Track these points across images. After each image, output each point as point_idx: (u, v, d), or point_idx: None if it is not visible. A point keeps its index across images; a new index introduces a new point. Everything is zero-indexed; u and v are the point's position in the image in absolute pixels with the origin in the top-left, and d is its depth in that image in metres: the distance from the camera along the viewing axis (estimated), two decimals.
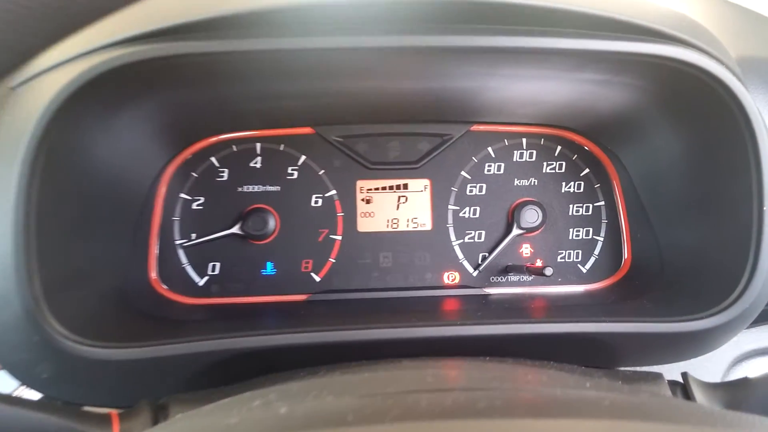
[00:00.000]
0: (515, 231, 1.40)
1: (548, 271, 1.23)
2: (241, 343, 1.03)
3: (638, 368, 0.99)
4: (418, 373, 0.73)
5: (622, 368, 1.06)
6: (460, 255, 1.43)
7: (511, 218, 1.42)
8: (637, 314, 1.10)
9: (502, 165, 1.44)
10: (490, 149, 1.44)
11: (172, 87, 1.06)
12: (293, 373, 0.95)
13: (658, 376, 0.90)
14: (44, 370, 0.98)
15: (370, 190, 1.43)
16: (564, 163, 1.45)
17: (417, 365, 0.85)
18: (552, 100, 1.25)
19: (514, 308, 1.27)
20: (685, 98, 1.05)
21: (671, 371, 1.18)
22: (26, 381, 1.02)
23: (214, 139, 1.40)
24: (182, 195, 1.39)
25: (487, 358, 0.96)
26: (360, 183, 1.43)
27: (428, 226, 1.43)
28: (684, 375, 0.90)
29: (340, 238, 1.41)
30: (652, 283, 1.29)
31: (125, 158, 1.17)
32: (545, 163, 1.45)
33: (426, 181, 1.44)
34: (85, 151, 1.03)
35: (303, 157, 1.42)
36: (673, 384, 0.90)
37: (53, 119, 0.90)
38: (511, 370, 0.79)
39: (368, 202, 1.43)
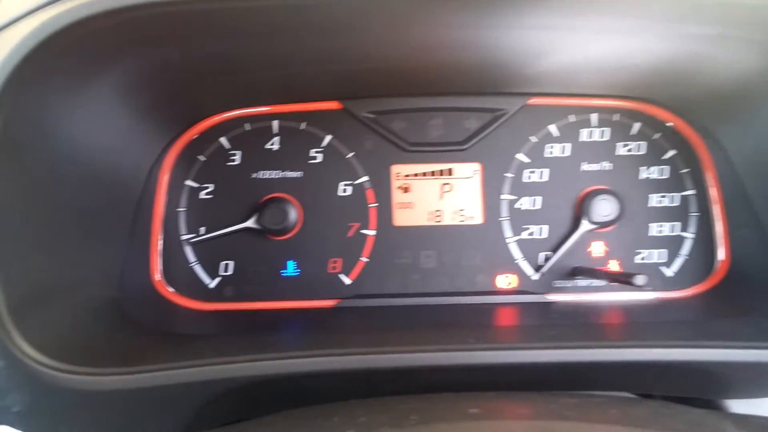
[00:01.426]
0: (584, 226, 1.16)
1: (640, 280, 0.97)
2: (260, 369, 0.83)
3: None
4: None
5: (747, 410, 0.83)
6: (518, 254, 1.19)
7: (579, 210, 1.17)
8: (756, 338, 0.85)
9: (567, 146, 1.20)
10: (552, 127, 1.20)
11: (167, 46, 0.84)
12: (324, 416, 0.74)
13: None
14: (15, 402, 0.81)
15: (408, 176, 1.20)
16: (644, 144, 1.20)
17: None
18: (639, 63, 1.00)
19: (592, 324, 1.03)
20: None
21: None
22: None
23: (223, 115, 1.19)
24: (188, 182, 1.18)
25: (575, 399, 0.73)
26: (396, 168, 1.20)
27: (478, 220, 1.20)
28: None
29: (373, 233, 1.19)
30: (759, 293, 1.04)
31: (114, 139, 0.97)
32: (620, 144, 1.20)
33: (475, 166, 1.20)
34: (57, 129, 0.82)
35: (328, 137, 1.20)
36: None
37: (7, 88, 0.69)
38: None
39: (406, 190, 1.20)
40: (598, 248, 1.19)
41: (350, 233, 1.19)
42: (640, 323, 1.04)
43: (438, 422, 0.64)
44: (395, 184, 1.20)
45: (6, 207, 0.74)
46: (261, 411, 0.94)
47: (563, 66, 1.04)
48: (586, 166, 1.20)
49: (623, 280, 1.03)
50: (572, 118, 1.20)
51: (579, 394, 0.78)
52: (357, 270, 1.19)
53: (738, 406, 1.02)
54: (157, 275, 1.17)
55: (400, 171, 1.20)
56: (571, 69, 1.07)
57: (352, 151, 1.20)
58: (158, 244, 1.17)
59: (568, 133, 1.20)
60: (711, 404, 1.02)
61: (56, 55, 0.72)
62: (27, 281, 0.81)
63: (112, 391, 0.80)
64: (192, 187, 1.18)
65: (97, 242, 0.98)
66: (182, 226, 1.18)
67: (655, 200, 1.19)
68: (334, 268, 1.19)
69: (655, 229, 1.18)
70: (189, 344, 0.98)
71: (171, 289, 1.17)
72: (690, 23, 0.83)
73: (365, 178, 1.20)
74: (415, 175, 1.20)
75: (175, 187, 1.17)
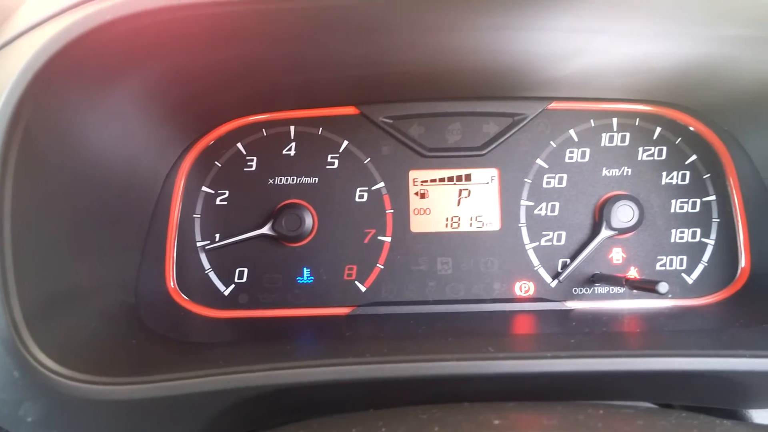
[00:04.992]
0: (604, 232, 1.14)
1: (663, 288, 0.96)
2: (276, 378, 0.82)
3: None
4: None
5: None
6: (536, 261, 1.18)
7: (599, 216, 1.16)
8: None
9: (587, 151, 1.19)
10: (572, 132, 1.19)
11: (185, 51, 0.83)
12: (342, 427, 0.73)
13: None
14: (29, 412, 0.79)
15: (426, 182, 1.19)
16: (664, 149, 1.18)
17: None
18: (663, 66, 0.98)
19: (613, 333, 1.01)
20: None
21: None
22: (8, 425, 0.82)
23: (240, 121, 1.18)
24: (204, 188, 1.18)
25: (601, 410, 0.71)
26: (413, 174, 1.19)
27: (496, 226, 1.18)
28: None
29: (389, 239, 1.18)
30: None
31: (132, 144, 0.96)
32: (641, 149, 1.18)
33: (493, 171, 1.19)
34: (75, 134, 0.81)
35: (345, 143, 1.19)
36: None
37: (28, 93, 0.69)
38: None
39: (423, 196, 1.19)
40: (617, 255, 1.17)
41: (366, 240, 1.18)
42: (661, 331, 1.02)
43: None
44: (412, 189, 1.19)
45: (24, 212, 0.72)
46: (276, 420, 0.93)
47: (585, 69, 1.03)
48: (606, 172, 1.18)
49: (645, 287, 1.01)
50: (592, 123, 1.19)
51: (603, 404, 0.76)
52: (372, 277, 1.18)
53: (759, 415, 1.00)
54: (172, 282, 1.16)
55: (417, 177, 1.19)
56: (593, 72, 1.05)
57: (368, 157, 1.19)
58: (173, 250, 1.16)
59: (588, 138, 1.19)
60: (732, 414, 1.00)
61: (78, 59, 0.72)
62: (43, 289, 0.79)
63: (128, 401, 0.79)
64: (208, 193, 1.17)
65: (114, 249, 0.97)
66: (197, 232, 1.17)
67: (676, 206, 1.17)
68: (349, 275, 1.18)
69: (676, 236, 1.17)
70: (204, 353, 0.97)
71: (185, 297, 1.16)
72: (720, 25, 0.81)
73: (382, 184, 1.19)
74: (433, 180, 1.19)
75: (190, 193, 1.17)
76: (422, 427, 0.68)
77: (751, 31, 0.81)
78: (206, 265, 1.17)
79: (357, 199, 1.18)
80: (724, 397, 0.93)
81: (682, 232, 1.17)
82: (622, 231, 1.15)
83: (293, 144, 1.19)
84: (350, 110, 1.18)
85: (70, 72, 0.72)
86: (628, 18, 0.78)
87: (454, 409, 0.74)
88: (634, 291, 1.09)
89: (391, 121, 1.18)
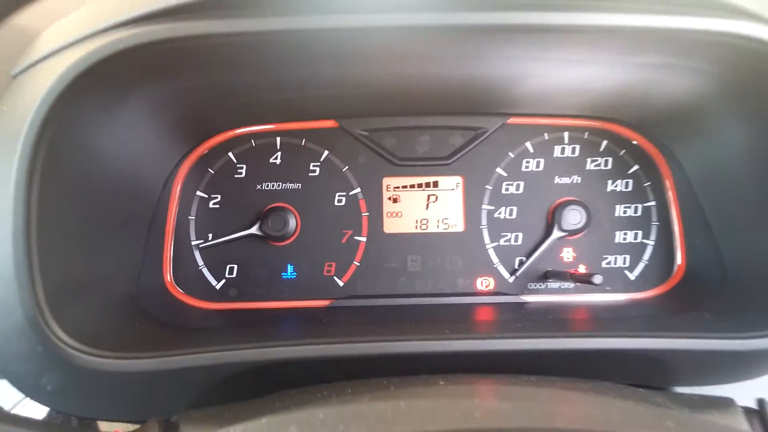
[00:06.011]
0: (556, 233, 1.28)
1: (597, 279, 1.11)
2: (260, 355, 0.94)
3: (704, 392, 0.87)
4: (463, 404, 0.64)
5: (685, 392, 0.94)
6: (495, 259, 1.32)
7: (552, 219, 1.30)
8: (698, 329, 0.98)
9: (542, 161, 1.33)
10: (528, 144, 1.33)
11: (185, 74, 0.97)
12: (315, 392, 0.86)
13: (729, 403, 0.78)
14: (49, 381, 0.91)
15: (398, 188, 1.33)
16: (610, 159, 1.33)
17: (458, 392, 0.75)
18: (601, 88, 1.13)
19: (557, 319, 1.16)
20: (761, 83, 0.92)
21: (734, 391, 1.06)
22: (30, 393, 0.94)
23: (231, 133, 1.31)
24: (198, 193, 1.31)
25: (533, 378, 0.85)
26: (386, 180, 1.33)
27: (460, 228, 1.32)
28: (761, 402, 0.78)
29: (364, 239, 1.32)
30: (711, 293, 1.16)
31: (137, 153, 1.09)
32: (589, 159, 1.33)
33: (458, 179, 1.33)
34: (91, 145, 0.94)
35: (326, 153, 1.32)
36: (748, 412, 0.78)
37: (53, 109, 0.82)
38: (571, 401, 0.69)
39: (395, 201, 1.33)
40: (568, 254, 1.31)
41: (344, 240, 1.31)
42: (602, 319, 1.16)
43: (411, 387, 0.76)
44: (386, 195, 1.32)
45: (47, 213, 0.85)
46: (260, 391, 1.05)
47: (538, 89, 1.17)
48: (558, 180, 1.32)
49: (584, 279, 1.15)
50: (546, 136, 1.33)
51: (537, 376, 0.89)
52: (349, 273, 1.31)
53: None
54: (169, 277, 1.28)
55: (390, 183, 1.33)
56: (545, 92, 1.19)
57: (346, 165, 1.32)
58: (170, 248, 1.29)
59: (543, 150, 1.33)
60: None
61: (96, 81, 0.85)
62: (62, 275, 0.91)
63: (132, 372, 0.90)
64: (202, 198, 1.31)
65: (120, 245, 1.10)
66: (192, 232, 1.30)
67: (620, 210, 1.31)
68: (328, 271, 1.31)
69: (620, 237, 1.31)
70: (198, 335, 1.10)
71: (180, 290, 1.29)
72: (642, 55, 0.96)
73: (358, 190, 1.32)
74: (404, 187, 1.33)
75: (186, 197, 1.29)
76: (381, 390, 0.82)
77: (664, 60, 0.96)
78: (200, 261, 1.30)
79: (336, 203, 1.32)
80: (651, 374, 1.06)
81: (625, 234, 1.31)
82: (572, 232, 1.29)
83: (279, 153, 1.32)
84: (330, 123, 1.32)
85: (89, 92, 0.85)
86: (558, 49, 0.93)
87: (410, 378, 0.88)
88: (579, 284, 1.23)
89: (367, 133, 1.32)
